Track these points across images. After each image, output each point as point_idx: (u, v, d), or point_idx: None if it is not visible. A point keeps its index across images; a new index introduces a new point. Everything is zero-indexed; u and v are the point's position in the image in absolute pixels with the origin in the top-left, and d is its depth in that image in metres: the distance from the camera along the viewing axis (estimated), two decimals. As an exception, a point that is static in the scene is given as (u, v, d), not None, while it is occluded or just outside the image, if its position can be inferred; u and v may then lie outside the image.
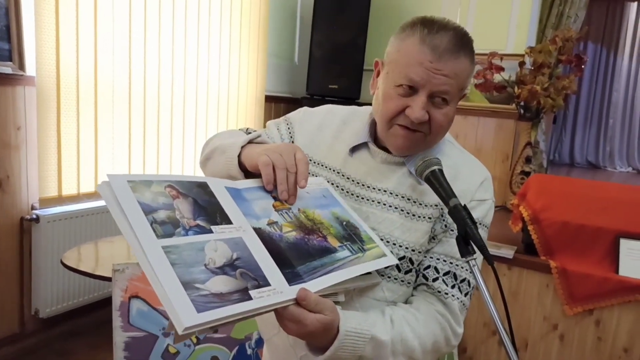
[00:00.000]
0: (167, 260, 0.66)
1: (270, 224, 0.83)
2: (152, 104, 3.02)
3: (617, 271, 2.23)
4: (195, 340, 1.85)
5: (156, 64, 3.02)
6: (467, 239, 0.80)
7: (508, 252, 2.40)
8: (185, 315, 0.61)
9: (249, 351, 1.92)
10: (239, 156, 0.89)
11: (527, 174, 3.32)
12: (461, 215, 0.81)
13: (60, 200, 2.59)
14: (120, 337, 1.72)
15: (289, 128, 1.06)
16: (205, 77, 3.41)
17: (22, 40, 2.36)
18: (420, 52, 0.86)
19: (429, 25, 0.87)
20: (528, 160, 3.42)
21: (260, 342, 1.94)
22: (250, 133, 1.01)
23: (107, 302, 2.84)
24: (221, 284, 0.68)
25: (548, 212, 2.38)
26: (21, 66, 2.37)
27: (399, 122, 0.91)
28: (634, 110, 7.81)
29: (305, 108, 1.10)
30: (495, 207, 3.47)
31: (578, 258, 2.31)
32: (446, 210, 0.85)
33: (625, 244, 2.27)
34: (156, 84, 3.04)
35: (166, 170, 3.18)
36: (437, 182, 0.86)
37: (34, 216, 2.48)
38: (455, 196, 0.84)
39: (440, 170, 0.87)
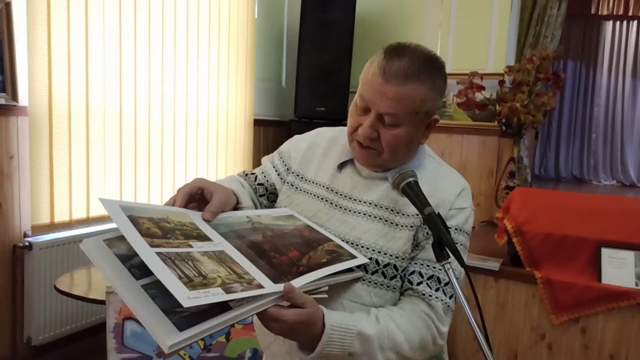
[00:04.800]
0: (147, 296, 0.75)
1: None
2: (142, 131, 3.08)
3: (599, 279, 2.29)
4: (189, 360, 1.88)
5: (146, 91, 3.09)
6: (442, 245, 0.85)
7: (494, 264, 2.46)
8: (167, 335, 0.69)
9: (243, 370, 1.94)
10: None
11: (512, 188, 3.39)
12: (435, 223, 0.87)
13: (52, 227, 2.62)
14: (114, 358, 1.74)
15: (281, 159, 1.15)
16: (195, 102, 3.48)
17: (15, 72, 2.42)
18: (373, 76, 0.95)
19: (389, 52, 0.95)
20: (512, 175, 3.50)
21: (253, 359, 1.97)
22: (247, 175, 1.15)
23: (99, 328, 2.84)
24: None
25: (531, 225, 2.45)
26: (14, 97, 2.43)
27: (355, 138, 1.00)
28: (615, 124, 7.99)
29: (295, 136, 1.19)
30: (482, 221, 3.53)
31: (561, 268, 2.38)
32: None
33: (606, 253, 2.34)
34: (147, 111, 3.10)
35: (157, 194, 3.22)
36: (413, 192, 0.93)
37: (27, 243, 2.50)
38: (429, 205, 0.90)
39: (416, 182, 0.94)
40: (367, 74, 0.97)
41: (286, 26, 4.45)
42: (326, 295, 0.89)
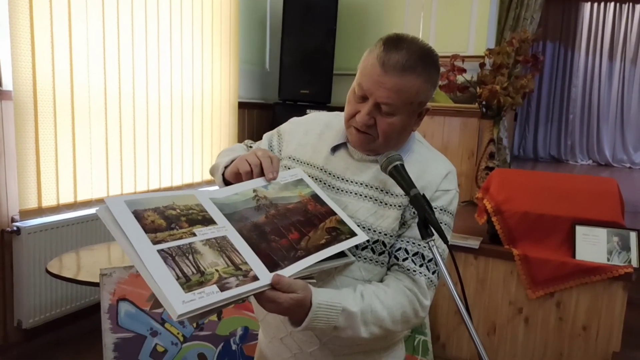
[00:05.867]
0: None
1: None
2: (128, 113, 3.08)
3: (573, 255, 2.41)
4: (182, 339, 1.94)
5: (131, 74, 3.08)
6: (427, 223, 0.92)
7: (474, 242, 2.55)
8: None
9: (234, 347, 2.01)
10: (223, 174, 1.10)
11: (491, 169, 3.50)
12: (420, 203, 0.94)
13: (40, 211, 2.63)
14: (109, 338, 1.79)
15: (279, 137, 1.22)
16: (180, 86, 3.48)
17: (-2, 56, 2.40)
18: (372, 66, 1.00)
19: (388, 44, 1.00)
20: (492, 156, 3.60)
21: (244, 337, 2.04)
22: (251, 146, 1.23)
23: (89, 310, 2.88)
24: None
25: (509, 204, 2.54)
26: (-3, 81, 2.41)
27: (353, 124, 1.06)
28: (592, 105, 8.18)
29: (294, 118, 1.25)
30: (463, 201, 3.65)
31: (538, 245, 2.49)
32: None
33: (580, 230, 2.45)
34: (131, 94, 3.10)
35: (143, 178, 3.24)
36: (399, 175, 0.99)
37: (15, 228, 2.52)
38: (415, 187, 0.97)
39: (402, 165, 1.00)
40: (366, 64, 1.02)
41: (269, 9, 4.44)
42: (315, 281, 0.96)
